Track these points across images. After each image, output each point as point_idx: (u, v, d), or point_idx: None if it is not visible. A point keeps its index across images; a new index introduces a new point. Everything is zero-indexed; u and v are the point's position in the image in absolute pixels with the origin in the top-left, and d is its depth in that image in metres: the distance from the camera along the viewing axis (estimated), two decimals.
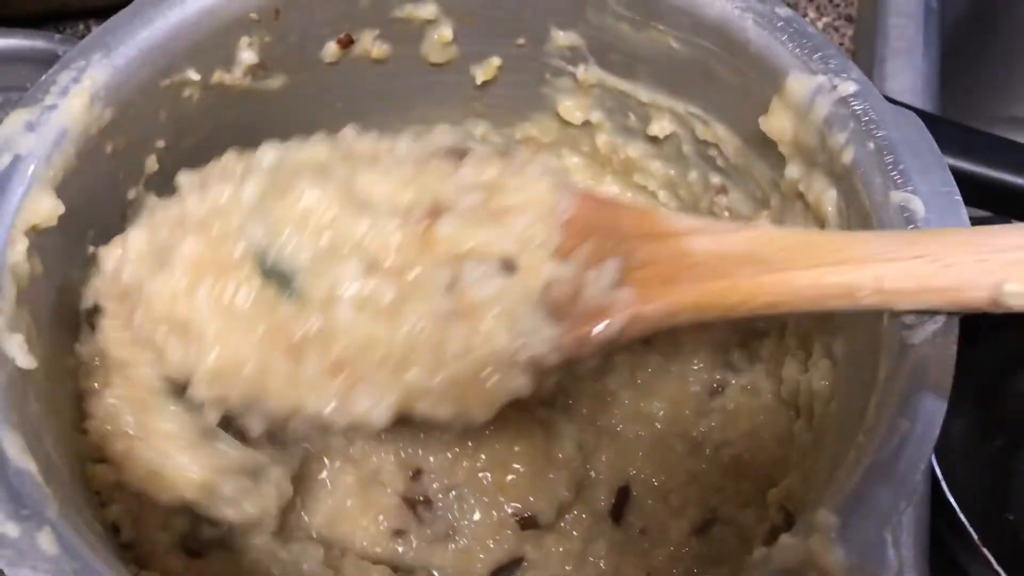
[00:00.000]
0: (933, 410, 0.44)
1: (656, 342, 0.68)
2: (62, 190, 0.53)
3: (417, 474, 0.64)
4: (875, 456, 0.43)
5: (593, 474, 0.65)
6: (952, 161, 0.75)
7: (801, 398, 0.60)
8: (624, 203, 0.63)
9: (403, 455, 0.64)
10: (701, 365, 0.68)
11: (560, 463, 0.63)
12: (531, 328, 0.50)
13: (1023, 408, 1.07)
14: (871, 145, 0.52)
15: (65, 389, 0.54)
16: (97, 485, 0.54)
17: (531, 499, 0.63)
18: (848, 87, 0.54)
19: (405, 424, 0.52)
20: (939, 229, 0.52)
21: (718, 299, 0.51)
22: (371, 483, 0.64)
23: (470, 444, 0.63)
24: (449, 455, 0.64)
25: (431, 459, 0.64)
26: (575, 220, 0.54)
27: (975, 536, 0.84)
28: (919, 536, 0.75)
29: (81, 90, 0.54)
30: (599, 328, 0.52)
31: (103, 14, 0.99)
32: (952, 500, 0.86)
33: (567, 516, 0.64)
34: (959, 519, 0.85)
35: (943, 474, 0.86)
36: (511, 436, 0.63)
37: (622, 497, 0.64)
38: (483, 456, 0.63)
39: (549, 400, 0.66)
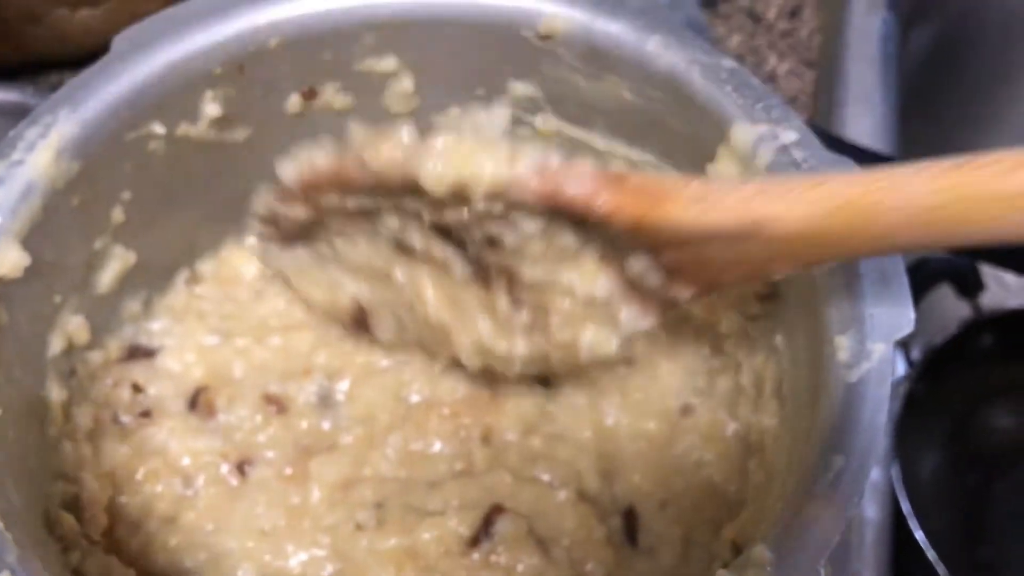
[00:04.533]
0: (867, 446, 0.45)
1: (638, 363, 0.69)
2: (28, 242, 0.54)
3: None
4: (809, 491, 0.45)
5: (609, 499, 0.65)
6: None
7: (753, 437, 0.61)
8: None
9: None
10: (676, 386, 0.68)
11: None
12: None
13: (993, 443, 1.09)
14: None
15: (30, 437, 0.55)
16: (60, 531, 0.55)
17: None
18: (789, 135, 0.56)
19: None
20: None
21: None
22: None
23: None
24: None
25: None
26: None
27: (943, 573, 0.85)
28: (880, 573, 0.76)
29: (48, 145, 0.56)
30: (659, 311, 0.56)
31: (77, 65, 1.02)
32: (920, 536, 0.87)
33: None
34: (926, 558, 0.86)
35: (914, 511, 0.88)
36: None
37: (631, 519, 0.64)
38: None
39: None
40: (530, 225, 0.55)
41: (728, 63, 0.60)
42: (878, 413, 0.46)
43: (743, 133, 0.57)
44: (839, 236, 0.45)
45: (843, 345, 0.50)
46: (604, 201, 0.51)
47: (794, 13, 1.08)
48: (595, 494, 0.64)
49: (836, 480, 0.44)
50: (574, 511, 0.62)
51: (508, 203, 0.53)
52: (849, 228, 0.45)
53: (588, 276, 0.57)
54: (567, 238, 0.55)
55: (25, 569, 0.44)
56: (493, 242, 0.57)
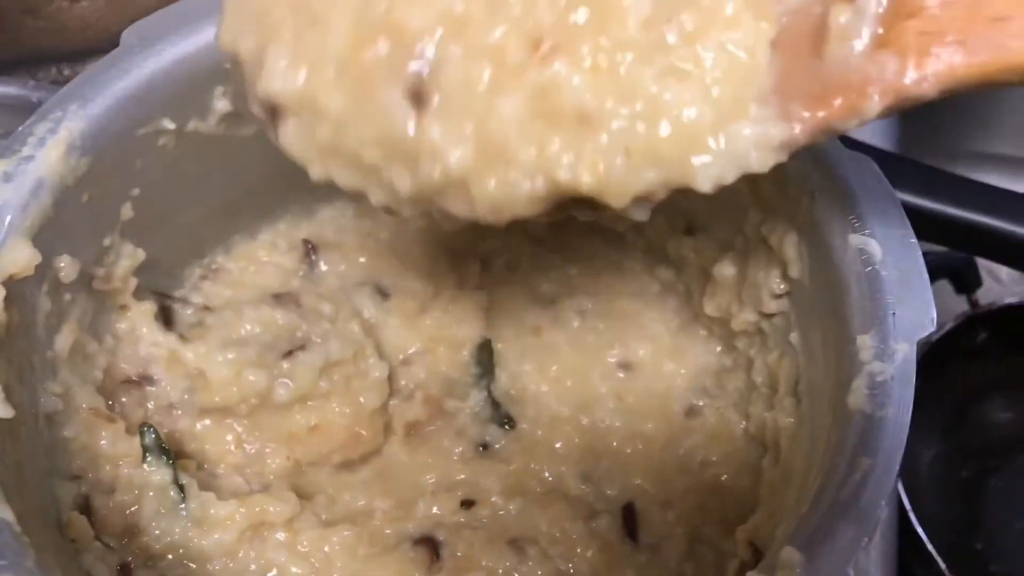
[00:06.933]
0: (893, 446, 0.45)
1: (636, 368, 0.69)
2: (39, 239, 0.54)
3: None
4: (837, 493, 0.44)
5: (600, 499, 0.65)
6: (911, 198, 0.78)
7: (768, 435, 0.61)
8: None
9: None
10: (681, 387, 0.69)
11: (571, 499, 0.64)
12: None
13: (989, 437, 1.09)
14: (829, 190, 0.54)
15: (41, 436, 0.55)
16: (72, 533, 0.54)
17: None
18: None
19: None
20: None
21: None
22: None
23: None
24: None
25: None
26: None
27: (943, 566, 0.86)
28: (887, 568, 0.76)
29: (57, 141, 0.55)
30: (844, 118, 0.39)
31: (74, 58, 1.01)
32: (920, 531, 0.87)
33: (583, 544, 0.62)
34: (927, 550, 0.87)
35: (911, 505, 0.88)
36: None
37: (629, 513, 0.63)
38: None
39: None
40: None
41: None
42: (903, 414, 0.46)
43: None
44: None
45: (866, 344, 0.49)
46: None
47: None
48: (576, 494, 0.64)
49: (864, 481, 0.44)
50: (544, 512, 0.62)
51: None
52: None
53: None
54: None
55: (44, 573, 0.44)
56: None
